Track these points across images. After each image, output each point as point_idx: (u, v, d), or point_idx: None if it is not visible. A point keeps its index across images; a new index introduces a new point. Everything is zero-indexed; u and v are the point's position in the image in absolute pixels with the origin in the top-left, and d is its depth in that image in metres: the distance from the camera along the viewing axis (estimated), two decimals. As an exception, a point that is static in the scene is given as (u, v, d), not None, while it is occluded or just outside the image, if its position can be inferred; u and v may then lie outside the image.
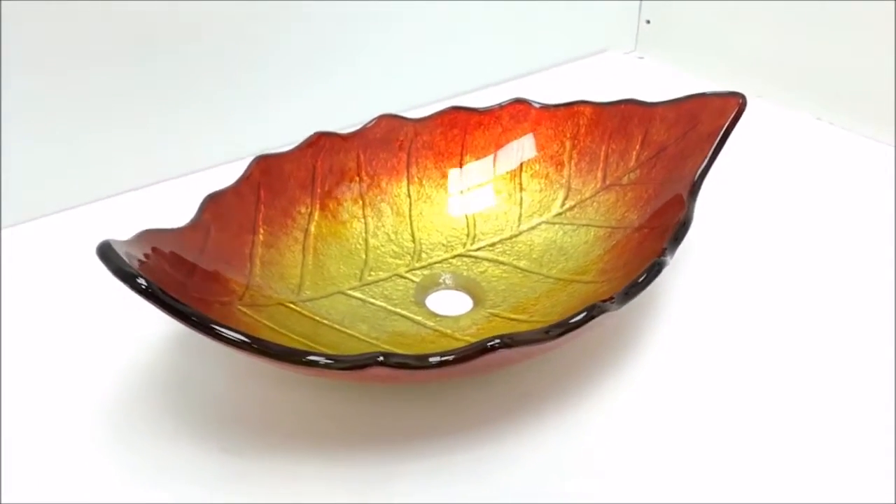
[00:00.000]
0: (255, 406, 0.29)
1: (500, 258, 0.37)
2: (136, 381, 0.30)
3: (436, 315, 0.34)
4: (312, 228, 0.36)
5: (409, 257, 0.37)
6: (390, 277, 0.35)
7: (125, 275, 0.23)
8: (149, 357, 0.31)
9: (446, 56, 0.55)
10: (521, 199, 0.39)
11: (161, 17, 0.41)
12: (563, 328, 0.25)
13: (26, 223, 0.41)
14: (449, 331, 0.33)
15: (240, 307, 0.29)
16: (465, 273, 0.36)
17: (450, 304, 0.35)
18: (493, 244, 0.38)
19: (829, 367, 0.31)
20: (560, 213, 0.38)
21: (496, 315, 0.33)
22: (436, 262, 0.37)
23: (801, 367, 0.31)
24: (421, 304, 0.34)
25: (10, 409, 0.29)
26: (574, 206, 0.38)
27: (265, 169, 0.35)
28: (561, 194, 0.39)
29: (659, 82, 0.58)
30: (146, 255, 0.26)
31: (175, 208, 0.33)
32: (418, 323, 0.33)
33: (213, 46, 0.43)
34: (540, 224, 0.38)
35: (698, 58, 0.60)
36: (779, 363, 0.32)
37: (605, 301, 0.27)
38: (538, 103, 0.40)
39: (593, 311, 0.26)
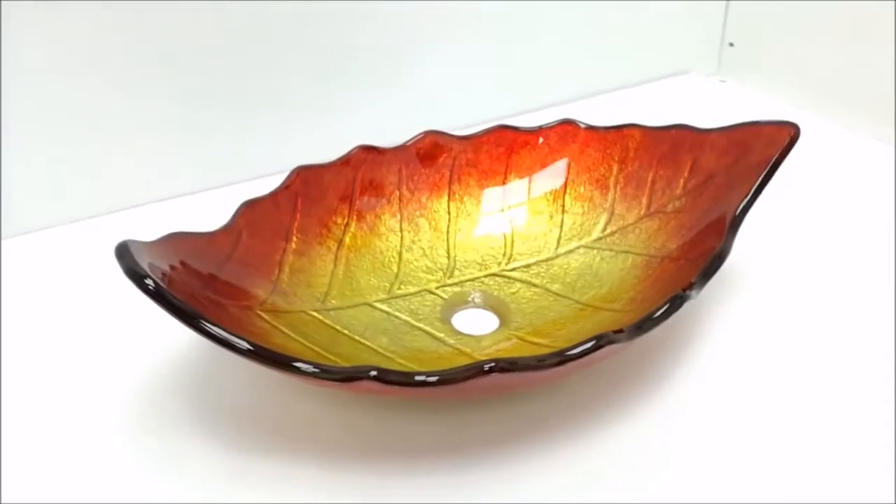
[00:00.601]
0: (276, 414, 0.30)
1: (534, 280, 0.36)
2: (156, 385, 0.31)
3: (458, 333, 0.33)
4: (347, 239, 0.36)
5: (441, 273, 0.37)
6: (419, 292, 0.36)
7: (135, 275, 0.24)
8: (173, 359, 0.32)
9: (524, 71, 0.55)
10: (563, 221, 0.38)
11: (209, 29, 0.42)
12: (560, 358, 0.25)
13: (82, 221, 0.43)
14: (468, 349, 0.32)
15: (259, 312, 0.30)
16: (495, 293, 0.36)
17: (476, 323, 0.34)
18: (528, 265, 0.37)
19: (870, 400, 0.29)
20: (600, 238, 0.37)
21: (519, 337, 0.33)
22: (467, 280, 0.36)
23: (842, 401, 0.29)
24: (446, 321, 0.34)
25: (31, 412, 0.30)
26: (615, 231, 0.37)
27: (305, 179, 0.36)
28: (603, 219, 0.38)
29: (738, 106, 0.56)
30: (166, 257, 0.28)
31: (221, 215, 0.34)
32: (439, 340, 0.33)
33: (265, 58, 0.45)
34: (578, 248, 0.37)
35: (782, 83, 0.57)
36: (817, 407, 0.30)
37: (615, 332, 0.26)
38: (586, 124, 0.40)
39: (601, 342, 0.26)
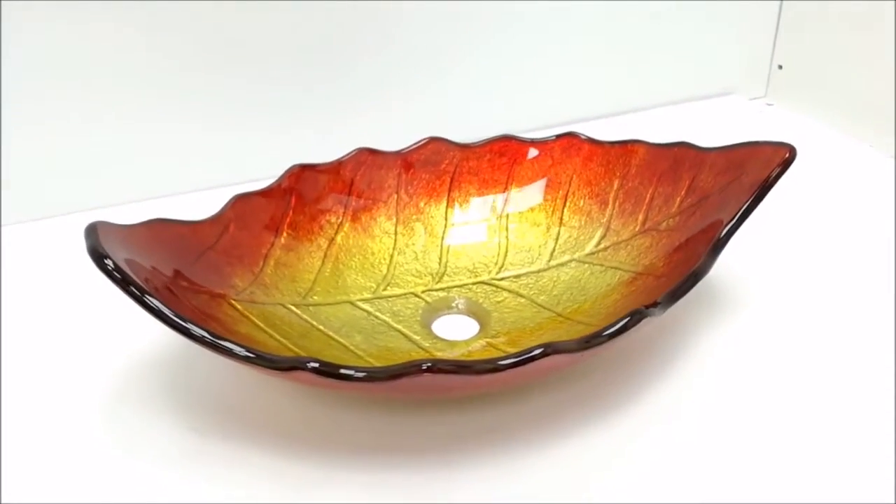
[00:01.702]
0: (261, 408, 0.30)
1: (521, 291, 0.36)
2: (135, 373, 0.32)
3: (435, 337, 0.34)
4: (339, 238, 0.37)
5: (430, 278, 0.37)
6: (405, 295, 0.36)
7: (96, 255, 0.25)
8: (157, 343, 0.34)
9: (567, 83, 0.55)
10: (559, 233, 0.38)
11: (227, 31, 0.44)
12: (493, 365, 0.24)
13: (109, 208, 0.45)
14: (440, 353, 0.33)
15: (232, 300, 0.31)
16: (480, 300, 0.36)
17: (455, 328, 0.35)
18: (518, 276, 0.37)
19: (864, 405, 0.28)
20: (593, 253, 0.37)
21: (493, 345, 0.33)
22: (455, 286, 0.37)
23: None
24: (426, 324, 0.34)
25: (13, 405, 0.31)
26: (608, 247, 0.37)
27: (300, 177, 0.37)
28: (598, 233, 0.37)
29: (781, 130, 0.54)
30: (141, 242, 0.29)
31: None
32: (414, 342, 0.33)
33: (291, 60, 0.46)
34: (571, 261, 0.37)
35: (831, 108, 0.55)
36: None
37: (563, 342, 0.26)
38: (590, 138, 0.39)
39: (546, 351, 0.25)
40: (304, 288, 0.35)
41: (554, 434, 0.29)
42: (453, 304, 0.36)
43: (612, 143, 0.39)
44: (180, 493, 0.27)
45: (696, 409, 0.30)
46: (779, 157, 0.32)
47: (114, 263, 0.25)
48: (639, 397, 0.31)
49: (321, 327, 0.33)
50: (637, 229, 0.36)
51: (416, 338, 0.33)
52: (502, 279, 0.37)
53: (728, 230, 0.31)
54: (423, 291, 0.36)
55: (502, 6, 0.50)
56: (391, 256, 0.37)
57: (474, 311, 0.35)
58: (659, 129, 0.50)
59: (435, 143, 0.39)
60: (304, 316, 0.33)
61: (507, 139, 0.40)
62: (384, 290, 0.36)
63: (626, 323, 0.27)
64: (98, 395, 0.31)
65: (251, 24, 0.44)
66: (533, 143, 0.40)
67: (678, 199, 0.36)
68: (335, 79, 0.47)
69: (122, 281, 0.25)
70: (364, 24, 0.47)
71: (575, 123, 0.54)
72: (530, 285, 0.36)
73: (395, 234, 0.38)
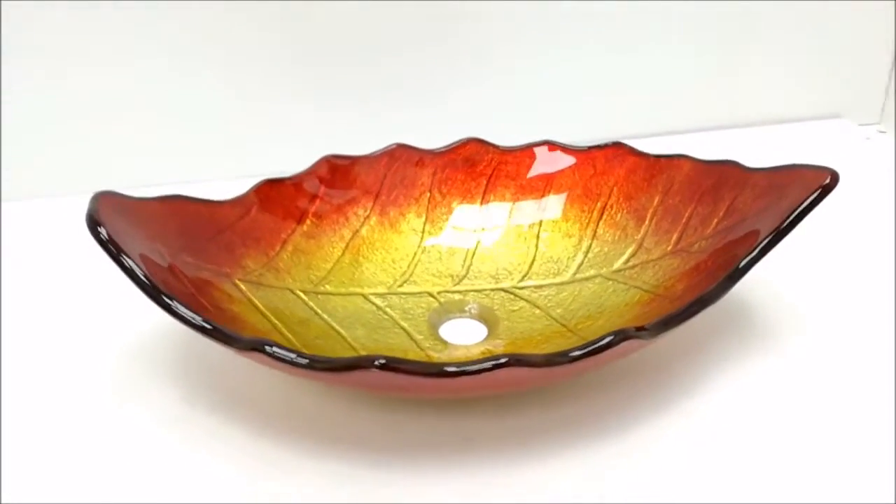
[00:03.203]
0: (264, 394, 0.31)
1: (539, 302, 0.35)
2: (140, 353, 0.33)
3: (437, 338, 0.33)
4: (364, 231, 0.37)
5: (449, 279, 0.36)
6: (420, 293, 0.36)
7: (91, 222, 0.27)
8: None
9: (672, 92, 0.53)
10: (590, 247, 0.36)
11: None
12: (436, 370, 0.24)
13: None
14: (437, 355, 0.32)
15: (237, 280, 0.32)
16: (495, 307, 0.35)
17: (463, 332, 0.34)
18: (540, 286, 0.36)
19: None
20: (620, 270, 0.35)
21: (490, 352, 0.32)
22: (473, 290, 0.36)
23: None
24: (434, 325, 0.34)
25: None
26: (637, 265, 0.35)
27: (332, 168, 0.37)
28: (630, 250, 0.35)
29: (886, 159, 0.49)
30: (153, 215, 0.30)
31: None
32: (416, 341, 0.33)
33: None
34: (596, 277, 0.35)
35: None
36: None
37: (529, 355, 0.25)
38: (636, 149, 0.37)
39: (509, 361, 0.24)
40: (319, 276, 0.35)
41: (528, 455, 0.28)
42: (466, 308, 0.35)
43: (658, 157, 0.37)
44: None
45: (688, 446, 0.28)
46: (817, 182, 0.29)
47: (107, 232, 0.27)
48: (633, 425, 0.29)
49: (325, 316, 0.33)
50: (669, 249, 0.34)
51: (419, 337, 0.33)
52: (523, 288, 0.36)
53: (749, 260, 0.28)
54: (439, 292, 0.36)
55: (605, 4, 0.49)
56: (414, 254, 0.37)
57: (486, 318, 0.35)
58: (755, 148, 0.49)
59: (474, 144, 0.39)
60: (311, 303, 0.33)
61: (549, 144, 0.39)
62: (400, 286, 0.36)
63: (607, 343, 0.25)
64: (98, 369, 0.33)
65: (304, 19, 0.45)
66: (576, 150, 0.38)
67: (715, 220, 0.33)
68: (379, 74, 0.48)
69: (112, 250, 0.26)
70: (424, 23, 0.47)
71: (670, 135, 0.52)
72: (550, 297, 0.35)
73: (423, 232, 0.38)
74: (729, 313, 0.34)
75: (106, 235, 0.27)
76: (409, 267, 0.37)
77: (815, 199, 0.29)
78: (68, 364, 0.33)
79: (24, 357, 0.33)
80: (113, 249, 0.26)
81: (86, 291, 0.37)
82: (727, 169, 0.34)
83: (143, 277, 0.26)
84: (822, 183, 0.29)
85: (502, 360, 0.24)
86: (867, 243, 0.40)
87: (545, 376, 0.26)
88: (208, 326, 0.25)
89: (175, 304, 0.25)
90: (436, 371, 0.24)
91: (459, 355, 0.32)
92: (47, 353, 0.34)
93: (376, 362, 0.24)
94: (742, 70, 0.53)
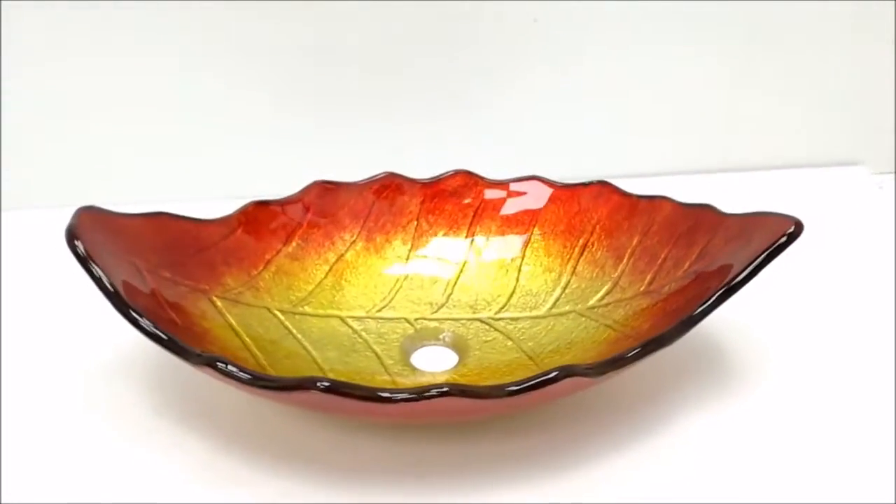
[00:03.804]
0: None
1: (513, 334, 0.35)
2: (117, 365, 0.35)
3: (407, 364, 0.34)
4: (349, 256, 0.38)
5: (428, 307, 0.37)
6: (397, 319, 0.36)
7: (70, 236, 0.28)
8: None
9: (685, 134, 0.53)
10: (568, 282, 0.37)
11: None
12: (370, 393, 0.24)
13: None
14: (403, 381, 0.33)
15: (214, 297, 0.33)
16: (469, 337, 0.35)
17: (434, 360, 0.35)
18: (516, 318, 0.36)
19: None
20: (594, 307, 0.35)
21: (454, 381, 0.32)
22: (450, 319, 0.36)
23: None
24: (407, 351, 0.35)
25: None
26: (610, 303, 0.35)
27: (321, 193, 0.38)
28: (605, 288, 0.36)
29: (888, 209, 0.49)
30: (138, 231, 0.32)
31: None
32: (385, 366, 0.33)
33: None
34: (571, 312, 0.36)
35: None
36: None
37: (470, 386, 0.25)
38: (620, 189, 0.38)
39: (449, 391, 0.25)
40: (299, 297, 0.36)
41: (479, 484, 0.28)
42: (441, 336, 0.36)
43: (640, 197, 0.37)
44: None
45: (642, 484, 0.28)
46: (780, 230, 0.29)
47: (83, 245, 0.28)
48: (587, 461, 0.29)
49: (299, 336, 0.34)
50: (641, 289, 0.34)
51: (389, 362, 0.34)
52: (499, 319, 0.36)
53: (704, 308, 0.28)
54: (416, 319, 0.36)
55: (620, 35, 0.49)
56: (397, 280, 0.38)
57: (459, 346, 0.35)
58: (761, 192, 0.49)
59: (463, 176, 0.40)
60: (287, 323, 0.35)
61: (537, 179, 0.39)
62: (379, 311, 0.37)
63: (545, 380, 0.26)
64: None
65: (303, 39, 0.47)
66: (562, 187, 0.39)
67: (687, 262, 0.33)
68: (374, 102, 0.49)
69: (86, 261, 0.28)
70: (425, 50, 0.48)
71: (684, 175, 0.52)
72: (524, 330, 0.35)
73: (408, 259, 0.39)
74: (713, 357, 0.35)
75: (83, 249, 0.28)
76: (390, 293, 0.37)
77: (778, 247, 0.29)
78: (44, 373, 0.34)
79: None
80: (86, 261, 0.28)
81: (70, 304, 0.38)
82: (704, 213, 0.34)
83: (108, 286, 0.27)
84: (786, 230, 0.29)
85: (440, 390, 0.25)
86: (859, 291, 0.39)
87: (484, 408, 0.26)
88: (165, 338, 0.26)
89: (138, 316, 0.27)
90: (373, 396, 0.24)
91: (425, 381, 0.32)
92: (22, 363, 0.35)
93: (319, 384, 0.25)
94: (760, 113, 0.53)
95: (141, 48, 0.46)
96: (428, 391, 0.25)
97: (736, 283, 0.28)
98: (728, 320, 0.35)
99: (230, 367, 0.25)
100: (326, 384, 0.25)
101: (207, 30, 0.46)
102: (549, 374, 0.26)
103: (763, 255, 0.29)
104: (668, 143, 0.53)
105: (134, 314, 0.27)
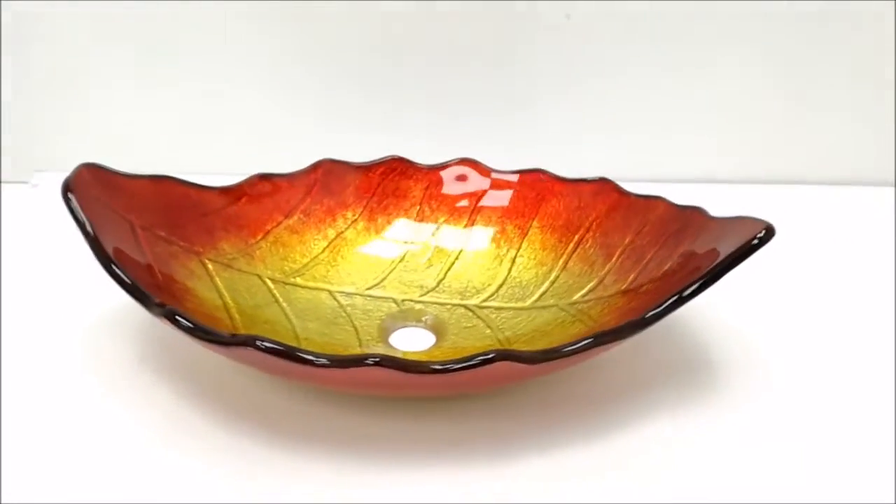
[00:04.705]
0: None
1: (493, 323, 0.35)
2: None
3: (382, 341, 0.35)
4: (349, 234, 0.39)
5: (418, 290, 0.37)
6: (385, 298, 0.37)
7: (65, 190, 0.30)
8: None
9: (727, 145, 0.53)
10: (557, 277, 0.37)
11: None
12: (300, 357, 0.25)
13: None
14: (372, 356, 0.33)
15: (206, 259, 0.35)
16: (451, 322, 0.36)
17: (411, 340, 0.35)
18: (500, 308, 0.36)
19: None
20: (574, 303, 0.35)
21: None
22: (437, 303, 0.37)
23: None
24: (387, 330, 0.35)
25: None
26: (592, 300, 0.35)
27: (328, 171, 0.39)
28: (590, 285, 0.35)
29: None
30: (138, 191, 0.34)
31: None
32: (361, 341, 0.34)
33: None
34: (553, 307, 0.35)
35: None
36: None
37: (397, 359, 0.26)
38: (620, 188, 0.37)
39: (379, 362, 0.25)
40: (293, 268, 0.37)
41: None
42: (423, 319, 0.36)
43: (638, 196, 0.36)
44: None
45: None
46: (749, 233, 0.28)
47: (76, 198, 0.30)
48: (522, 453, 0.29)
49: (284, 304, 0.35)
50: (622, 288, 0.34)
51: (366, 338, 0.35)
52: (483, 308, 0.36)
53: (654, 314, 0.28)
54: (403, 300, 0.37)
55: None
56: (392, 262, 0.39)
57: (438, 330, 0.36)
58: (794, 207, 0.49)
59: (468, 165, 0.40)
60: (276, 291, 0.36)
61: (539, 173, 0.39)
62: (368, 289, 0.37)
63: (482, 360, 0.26)
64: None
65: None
66: (565, 181, 0.39)
67: (669, 263, 0.33)
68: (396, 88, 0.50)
69: (74, 213, 0.30)
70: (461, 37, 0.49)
71: (684, 184, 0.51)
72: (506, 320, 0.35)
73: (406, 242, 0.39)
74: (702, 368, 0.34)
75: (75, 201, 0.30)
76: (383, 273, 0.38)
77: (746, 251, 0.28)
78: (34, 337, 0.36)
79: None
80: (75, 211, 0.30)
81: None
82: (693, 215, 0.33)
83: (90, 230, 0.29)
84: (759, 232, 0.28)
85: (374, 360, 0.25)
86: (861, 308, 0.38)
87: (409, 382, 0.26)
88: (128, 282, 0.28)
89: (109, 260, 0.29)
90: (298, 358, 0.25)
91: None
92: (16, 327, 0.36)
93: (259, 343, 0.26)
94: (799, 124, 0.52)
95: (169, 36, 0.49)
96: (356, 359, 0.25)
97: (691, 292, 0.28)
98: (738, 339, 0.35)
99: (179, 318, 0.26)
100: (266, 344, 0.26)
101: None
102: (482, 355, 0.26)
103: (724, 261, 0.28)
104: (708, 155, 0.52)
105: (107, 257, 0.29)
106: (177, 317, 0.27)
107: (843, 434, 0.30)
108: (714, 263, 0.28)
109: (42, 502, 0.26)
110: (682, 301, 0.28)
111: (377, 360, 0.25)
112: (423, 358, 0.33)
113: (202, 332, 0.27)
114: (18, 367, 0.33)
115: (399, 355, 0.32)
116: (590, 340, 0.27)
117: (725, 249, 0.29)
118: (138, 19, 0.49)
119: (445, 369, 0.25)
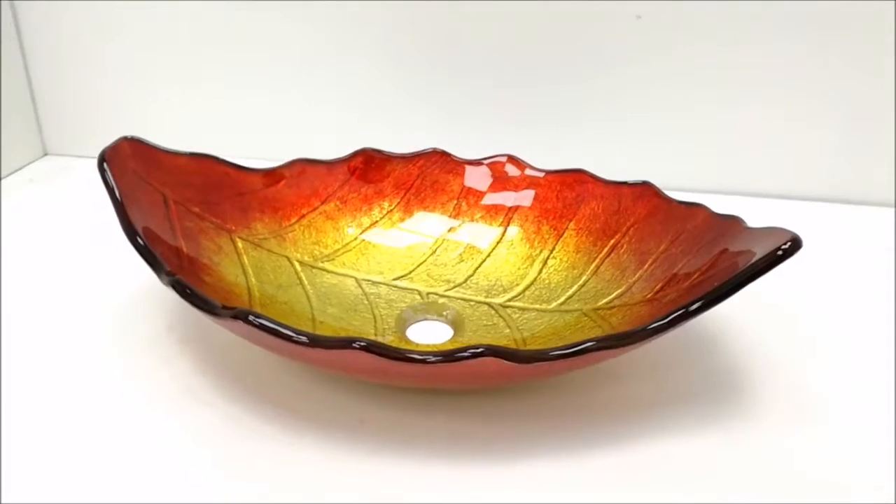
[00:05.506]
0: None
1: (513, 323, 0.34)
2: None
3: (398, 332, 0.34)
4: (384, 223, 0.39)
5: (445, 284, 0.37)
6: (411, 290, 0.37)
7: (100, 160, 0.32)
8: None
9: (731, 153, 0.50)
10: (587, 282, 0.35)
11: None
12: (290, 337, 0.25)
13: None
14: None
15: (235, 237, 0.36)
16: (472, 319, 0.35)
17: (428, 333, 0.35)
18: (524, 309, 0.35)
19: None
20: (598, 309, 0.33)
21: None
22: (461, 299, 0.36)
23: None
24: (405, 321, 0.35)
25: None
26: (615, 307, 0.33)
27: (367, 160, 0.39)
28: (617, 292, 0.34)
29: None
30: (178, 167, 0.35)
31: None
32: (377, 330, 0.34)
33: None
34: (577, 311, 0.34)
35: None
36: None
37: (383, 346, 0.25)
38: (662, 193, 0.35)
39: (363, 346, 0.25)
40: (323, 253, 0.38)
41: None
42: (444, 313, 0.36)
43: (679, 203, 0.34)
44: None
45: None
46: (774, 243, 0.26)
47: (111, 171, 0.32)
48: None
49: (308, 287, 0.36)
50: (647, 297, 0.32)
51: (383, 327, 0.34)
52: (507, 307, 0.35)
53: (657, 326, 0.26)
54: (428, 293, 0.37)
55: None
56: (424, 255, 0.38)
57: (457, 325, 0.35)
58: (819, 225, 0.45)
59: (510, 162, 0.39)
60: (302, 274, 0.36)
61: (581, 174, 0.38)
62: (395, 280, 0.37)
63: (467, 354, 0.25)
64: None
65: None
66: (607, 184, 0.37)
67: (697, 273, 0.31)
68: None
69: (109, 186, 0.31)
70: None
71: (714, 195, 0.47)
72: (527, 321, 0.34)
73: (440, 237, 0.39)
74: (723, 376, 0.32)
75: (109, 172, 0.32)
76: (413, 265, 0.38)
77: (772, 259, 0.26)
78: (62, 312, 0.37)
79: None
80: (108, 180, 0.31)
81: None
82: (730, 224, 0.31)
83: (118, 197, 0.30)
84: (784, 243, 0.26)
85: (360, 344, 0.25)
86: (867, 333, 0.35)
87: (392, 370, 0.26)
88: (142, 244, 0.29)
89: (132, 226, 0.30)
90: (288, 337, 0.25)
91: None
92: (43, 301, 0.38)
93: (251, 318, 0.26)
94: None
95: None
96: (342, 342, 0.25)
97: (696, 308, 0.26)
98: (761, 360, 0.33)
99: (189, 291, 0.27)
100: (258, 320, 0.26)
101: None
102: (470, 349, 0.25)
103: (756, 263, 0.26)
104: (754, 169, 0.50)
105: (129, 224, 0.30)
106: (181, 286, 0.27)
107: (862, 453, 0.27)
108: (729, 277, 0.26)
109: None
110: (688, 315, 0.26)
111: (352, 342, 0.25)
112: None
113: (200, 302, 0.27)
114: (55, 331, 0.35)
115: (411, 346, 0.32)
116: (580, 347, 0.25)
117: (748, 260, 0.27)
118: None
119: (423, 360, 0.25)
